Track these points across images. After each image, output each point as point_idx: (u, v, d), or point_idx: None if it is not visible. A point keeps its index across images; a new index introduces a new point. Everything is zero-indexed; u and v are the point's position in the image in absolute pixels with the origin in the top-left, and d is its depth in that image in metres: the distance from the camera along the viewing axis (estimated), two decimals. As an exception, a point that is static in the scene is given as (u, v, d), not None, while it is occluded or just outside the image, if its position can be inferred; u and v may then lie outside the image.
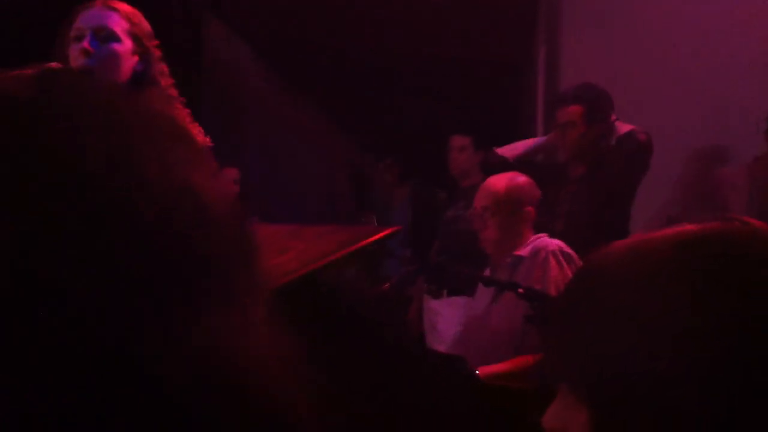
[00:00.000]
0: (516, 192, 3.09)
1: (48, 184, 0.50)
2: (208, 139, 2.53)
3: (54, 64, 2.31)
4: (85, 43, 2.31)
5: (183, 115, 2.50)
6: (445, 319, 4.29)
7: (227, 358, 0.51)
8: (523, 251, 3.00)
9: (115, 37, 2.36)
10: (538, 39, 5.02)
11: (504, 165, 3.85)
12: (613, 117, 3.93)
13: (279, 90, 5.58)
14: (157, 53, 2.47)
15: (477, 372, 2.50)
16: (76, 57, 2.32)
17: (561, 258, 2.89)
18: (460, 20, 4.97)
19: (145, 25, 2.45)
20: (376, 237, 2.42)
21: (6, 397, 0.47)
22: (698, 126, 4.50)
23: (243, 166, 5.17)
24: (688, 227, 0.83)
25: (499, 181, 3.17)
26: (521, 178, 3.18)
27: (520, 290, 2.34)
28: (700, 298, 0.76)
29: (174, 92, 2.50)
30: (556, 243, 2.99)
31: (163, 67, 2.48)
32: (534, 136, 4.87)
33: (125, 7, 2.42)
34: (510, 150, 4.07)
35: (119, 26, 2.37)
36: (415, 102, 5.10)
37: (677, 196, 4.50)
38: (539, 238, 3.06)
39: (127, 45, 2.38)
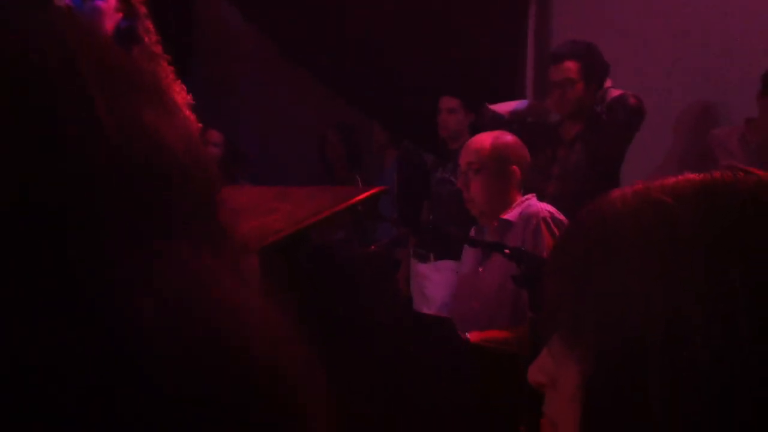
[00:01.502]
0: (502, 150, 2.99)
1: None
2: (189, 96, 2.50)
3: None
4: (67, 1, 2.28)
5: (167, 72, 2.46)
6: (434, 284, 4.28)
7: (207, 299, 0.50)
8: (511, 215, 2.92)
9: None
10: (528, 7, 4.97)
11: (495, 121, 3.80)
12: (609, 83, 3.90)
13: (268, 51, 5.53)
14: (143, 10, 2.43)
15: (467, 336, 2.48)
16: None
17: (552, 225, 2.81)
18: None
19: None
20: (362, 197, 2.40)
21: None
22: (690, 86, 4.47)
23: (232, 127, 5.14)
24: (700, 175, 0.79)
25: (485, 138, 3.07)
26: (508, 137, 3.08)
27: (507, 251, 2.32)
28: (724, 249, 0.73)
29: (158, 49, 2.47)
30: (546, 208, 2.91)
31: (148, 24, 2.44)
32: (524, 97, 4.83)
33: None
34: (502, 107, 4.02)
35: None
36: (404, 61, 5.04)
37: (668, 158, 4.48)
38: (527, 200, 2.98)
39: (110, 2, 2.35)
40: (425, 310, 4.06)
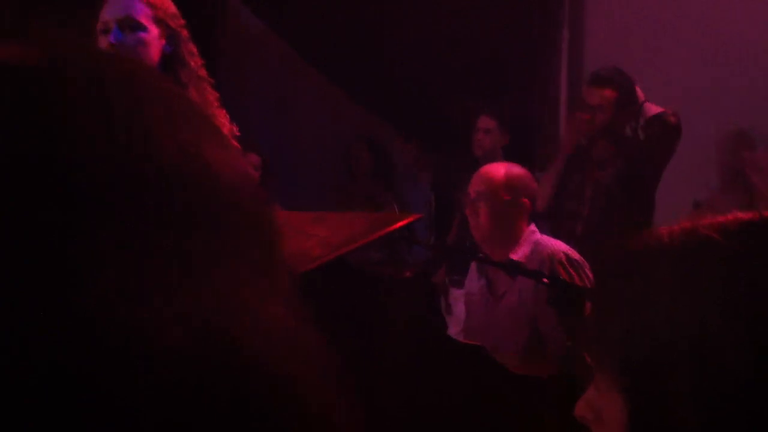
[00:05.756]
0: (514, 181, 2.99)
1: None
2: (234, 127, 2.53)
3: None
4: (111, 38, 2.33)
5: (212, 98, 2.49)
6: (460, 305, 4.28)
7: (235, 327, 0.52)
8: (520, 254, 2.86)
9: (140, 26, 2.36)
10: (562, 20, 4.96)
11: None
12: (642, 97, 3.90)
13: (296, 65, 5.55)
14: (185, 33, 2.45)
15: (497, 361, 2.49)
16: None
17: (569, 267, 2.75)
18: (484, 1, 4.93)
19: (170, 7, 2.44)
20: (399, 225, 2.42)
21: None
22: (725, 108, 4.45)
23: (258, 143, 5.16)
24: (748, 215, 0.82)
25: (497, 168, 3.09)
26: (519, 169, 3.10)
27: (545, 279, 2.32)
28: (754, 287, 0.76)
29: (204, 73, 2.49)
30: (561, 248, 2.85)
31: (191, 47, 2.47)
32: (558, 118, 4.85)
33: None
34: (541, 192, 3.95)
35: (143, 14, 2.37)
36: (438, 80, 5.05)
37: (703, 179, 4.45)
38: (532, 233, 2.93)
39: (153, 32, 2.38)
40: (452, 330, 4.06)
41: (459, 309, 4.23)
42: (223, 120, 2.48)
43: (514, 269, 2.69)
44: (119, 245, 0.52)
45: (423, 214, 3.13)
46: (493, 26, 4.84)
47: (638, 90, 3.88)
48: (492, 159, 4.59)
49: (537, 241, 2.91)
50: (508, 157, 4.57)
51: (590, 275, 2.64)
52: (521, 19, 4.90)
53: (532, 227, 2.99)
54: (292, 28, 5.06)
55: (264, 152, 4.96)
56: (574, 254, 2.81)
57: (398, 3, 4.91)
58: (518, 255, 2.86)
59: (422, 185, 5.27)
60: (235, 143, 2.51)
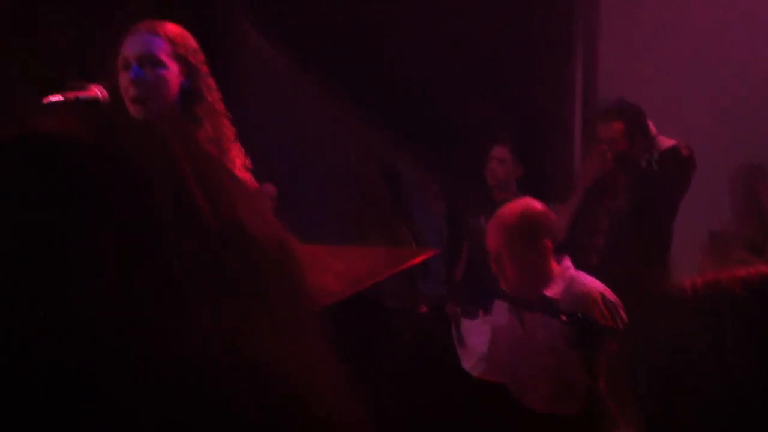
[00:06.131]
0: (532, 226, 2.86)
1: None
2: (248, 161, 2.53)
3: (96, 87, 2.33)
4: (132, 74, 2.34)
5: (228, 132, 2.50)
6: (476, 333, 4.25)
7: (259, 361, 0.57)
8: (554, 290, 2.79)
9: (160, 63, 2.38)
10: (575, 46, 4.98)
11: None
12: (654, 131, 3.90)
13: (310, 90, 5.57)
14: (204, 69, 2.47)
15: (520, 399, 2.47)
16: (125, 87, 2.36)
17: (603, 307, 2.67)
18: (497, 26, 4.94)
19: (190, 43, 2.45)
20: (416, 261, 2.42)
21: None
22: (738, 135, 4.44)
23: (273, 169, 5.16)
24: (755, 271, 0.84)
25: (512, 214, 2.94)
26: (534, 210, 2.94)
27: (564, 317, 2.30)
28: None
29: (221, 107, 2.51)
30: (597, 288, 2.77)
31: (210, 81, 2.48)
32: (572, 146, 4.85)
33: (169, 29, 2.42)
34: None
35: (163, 51, 2.39)
36: (450, 105, 5.06)
37: (716, 209, 4.44)
38: (566, 269, 2.85)
39: (172, 69, 2.40)
40: (465, 362, 4.03)
41: (473, 341, 4.20)
42: (239, 153, 2.48)
43: (531, 306, 2.67)
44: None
45: (440, 250, 3.10)
46: (508, 63, 4.86)
47: (650, 123, 3.89)
48: (505, 189, 4.59)
49: (572, 278, 2.84)
50: (522, 186, 4.57)
51: (624, 317, 2.60)
52: (535, 54, 4.92)
53: (566, 262, 2.90)
54: (302, 51, 5.08)
55: (278, 180, 4.96)
56: (610, 295, 2.74)
57: (418, 31, 4.93)
58: (552, 292, 2.79)
59: (432, 209, 5.26)
60: (250, 176, 2.54)
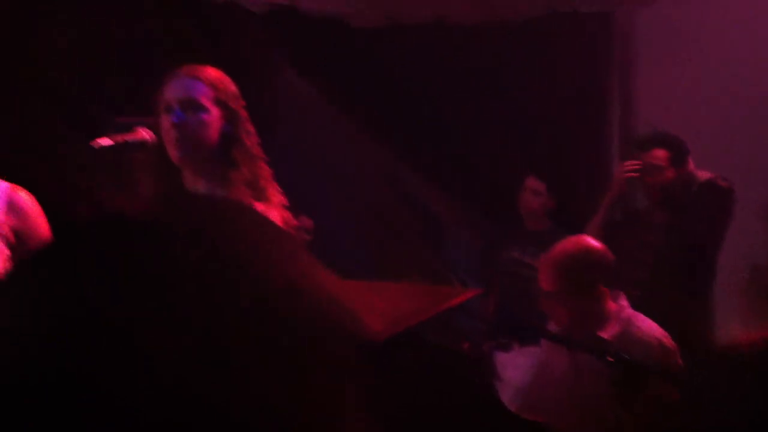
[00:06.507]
0: (586, 267, 2.73)
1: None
2: (285, 199, 2.56)
3: (143, 130, 2.37)
4: (174, 117, 2.38)
5: (265, 174, 2.52)
6: (513, 366, 4.22)
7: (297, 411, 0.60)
8: (611, 332, 2.70)
9: (201, 108, 2.42)
10: (611, 79, 4.97)
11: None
12: (691, 164, 3.88)
13: (342, 124, 5.60)
14: (243, 114, 2.50)
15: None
16: (167, 129, 2.40)
17: (662, 356, 2.60)
18: (533, 55, 4.96)
19: (230, 88, 2.50)
20: (459, 300, 2.42)
21: None
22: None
23: (307, 202, 5.17)
24: None
25: (564, 255, 2.80)
26: (587, 249, 2.81)
27: (610, 358, 2.28)
28: None
29: (258, 151, 2.54)
30: (655, 334, 2.68)
31: (248, 126, 2.52)
32: (608, 178, 4.82)
33: (210, 74, 2.46)
34: (592, 230, 3.90)
35: (205, 95, 2.42)
36: (484, 136, 5.07)
37: (759, 241, 4.39)
38: (622, 309, 2.75)
39: (213, 113, 2.43)
40: (502, 395, 4.00)
41: (510, 375, 4.17)
42: (275, 193, 2.51)
43: (574, 344, 2.62)
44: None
45: (481, 289, 3.08)
46: (544, 99, 4.86)
47: (689, 158, 3.86)
48: (538, 219, 4.58)
49: (629, 320, 2.75)
50: (556, 218, 4.56)
51: (680, 362, 2.56)
52: (573, 93, 4.92)
53: (622, 301, 2.81)
54: (338, 89, 5.11)
55: (314, 214, 4.98)
56: (668, 341, 2.67)
57: (449, 65, 4.94)
58: (608, 334, 2.70)
59: (464, 241, 5.25)
60: (288, 213, 2.56)
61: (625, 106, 4.98)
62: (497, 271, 4.56)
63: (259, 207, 2.39)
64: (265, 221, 0.75)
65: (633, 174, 3.80)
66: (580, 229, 4.19)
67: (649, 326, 2.75)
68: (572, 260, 2.79)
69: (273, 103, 5.06)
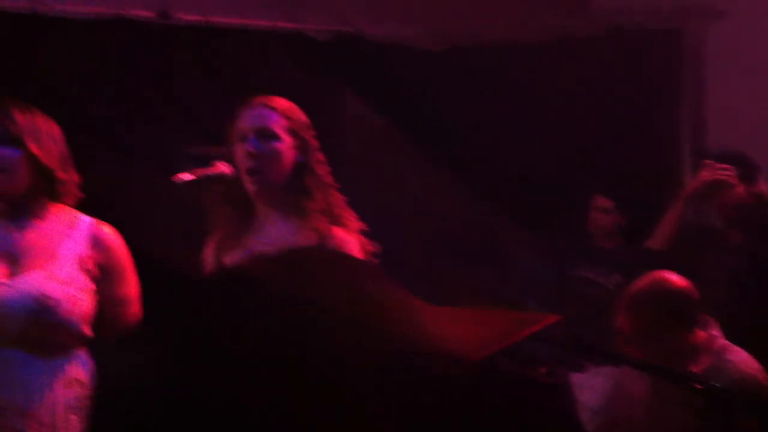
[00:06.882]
0: (668, 315, 2.62)
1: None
2: (363, 225, 2.58)
3: (222, 164, 2.41)
4: (249, 146, 2.42)
5: (339, 202, 2.55)
6: (589, 389, 4.16)
7: None
8: (703, 364, 2.63)
9: (275, 136, 2.47)
10: (683, 95, 4.92)
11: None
12: (762, 183, 3.81)
13: (408, 151, 5.61)
14: (315, 143, 2.54)
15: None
16: (241, 158, 2.44)
17: (756, 391, 2.52)
18: (597, 73, 4.93)
19: (302, 118, 2.55)
20: (540, 327, 2.39)
21: None
22: None
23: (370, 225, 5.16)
24: None
25: (645, 296, 2.68)
26: (670, 288, 2.68)
27: (698, 386, 2.22)
28: None
29: (330, 180, 2.57)
30: (749, 367, 2.57)
31: (320, 156, 2.56)
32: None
33: (282, 104, 2.52)
34: (660, 238, 3.85)
35: (278, 125, 2.48)
36: (551, 156, 5.04)
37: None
38: (713, 340, 2.65)
39: (287, 142, 2.48)
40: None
41: (585, 396, 4.12)
42: (351, 219, 2.53)
43: (656, 370, 2.53)
44: None
45: (560, 316, 3.02)
46: (613, 113, 4.83)
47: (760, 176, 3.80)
48: (608, 237, 4.54)
49: (721, 352, 2.66)
50: (626, 235, 4.50)
51: None
52: (642, 103, 4.88)
53: (714, 330, 2.71)
54: (412, 124, 5.13)
55: (380, 239, 5.00)
56: (762, 375, 2.58)
57: (514, 94, 4.94)
58: (699, 367, 2.61)
59: (532, 263, 5.20)
60: (366, 239, 2.57)
61: (695, 122, 4.92)
62: (568, 292, 4.52)
63: (338, 232, 2.41)
64: (353, 262, 0.80)
65: (720, 176, 3.72)
66: (648, 261, 4.11)
67: (743, 359, 2.65)
68: (653, 302, 2.69)
69: (339, 131, 5.10)
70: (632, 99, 4.91)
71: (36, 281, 2.30)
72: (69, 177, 2.41)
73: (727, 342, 2.75)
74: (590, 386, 4.15)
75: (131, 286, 2.44)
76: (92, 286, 2.37)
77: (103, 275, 2.39)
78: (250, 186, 2.44)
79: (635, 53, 4.90)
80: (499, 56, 4.97)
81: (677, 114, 4.96)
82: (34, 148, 2.33)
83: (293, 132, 2.50)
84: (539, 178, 5.10)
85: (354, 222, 2.55)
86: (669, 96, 4.99)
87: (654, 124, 4.92)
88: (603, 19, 4.95)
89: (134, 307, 2.44)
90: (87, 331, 2.35)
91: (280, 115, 2.49)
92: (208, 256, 2.53)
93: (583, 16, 5.01)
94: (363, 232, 2.56)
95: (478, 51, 5.02)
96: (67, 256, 2.35)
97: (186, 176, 2.31)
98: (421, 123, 5.17)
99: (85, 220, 2.43)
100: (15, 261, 2.34)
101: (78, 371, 2.34)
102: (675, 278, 2.76)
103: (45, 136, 2.36)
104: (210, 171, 2.39)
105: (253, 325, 0.66)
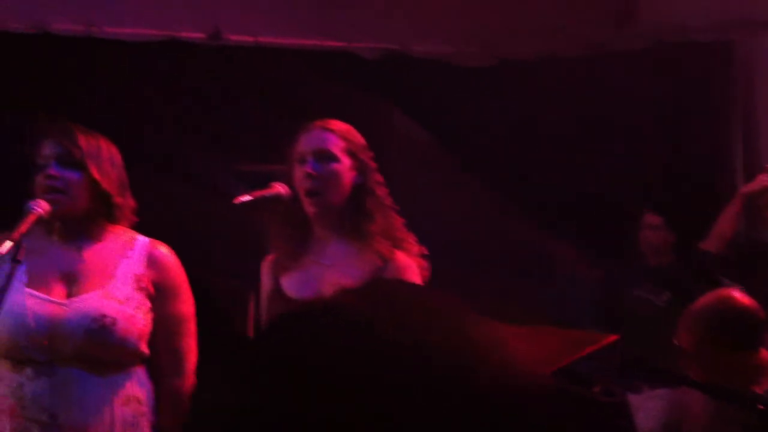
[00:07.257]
0: (731, 335, 2.52)
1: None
2: (423, 248, 2.58)
3: (279, 185, 2.43)
4: (308, 168, 2.44)
5: (398, 224, 2.56)
6: (645, 413, 4.10)
7: None
8: (765, 387, 2.54)
9: (334, 158, 2.48)
10: (734, 111, 4.86)
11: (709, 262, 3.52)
12: None
13: (456, 168, 5.60)
14: (373, 165, 2.55)
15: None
16: (300, 180, 2.46)
17: None
18: (649, 83, 4.89)
19: (360, 140, 2.56)
20: (598, 347, 2.36)
21: None
22: None
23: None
24: None
25: (708, 315, 2.58)
26: (733, 306, 2.57)
27: (761, 407, 2.17)
28: None
29: (389, 201, 2.57)
30: None
31: (378, 177, 2.56)
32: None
33: (340, 126, 2.54)
34: (715, 239, 3.82)
35: (337, 146, 2.49)
36: (599, 173, 5.00)
37: None
38: None
39: (345, 163, 2.49)
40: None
41: (639, 420, 4.05)
42: (412, 242, 2.53)
43: (715, 391, 2.47)
44: None
45: (617, 335, 2.98)
46: (665, 129, 4.78)
47: None
48: (659, 255, 4.49)
49: None
50: (677, 252, 4.45)
51: None
52: (693, 130, 4.83)
53: None
54: (460, 141, 5.12)
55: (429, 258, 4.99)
56: None
57: (560, 108, 4.91)
58: (762, 388, 2.52)
59: (584, 282, 5.16)
60: (425, 262, 2.57)
61: (746, 134, 4.84)
62: (620, 311, 4.47)
63: (400, 256, 2.41)
64: (435, 293, 0.79)
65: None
66: (704, 263, 4.06)
67: None
68: (719, 320, 2.61)
69: (389, 150, 5.11)
70: (682, 112, 4.85)
71: (93, 301, 2.33)
72: (125, 202, 2.44)
73: None
74: (645, 408, 4.09)
75: (187, 303, 2.46)
76: (148, 304, 2.40)
77: (159, 294, 2.42)
78: (309, 207, 2.45)
79: (685, 65, 4.85)
80: (547, 71, 4.94)
81: (728, 127, 4.89)
82: (95, 173, 2.37)
83: (351, 153, 2.51)
84: (590, 194, 5.06)
85: (414, 246, 2.55)
86: (719, 109, 4.92)
87: (705, 138, 4.85)
88: (651, 31, 4.90)
89: (191, 325, 2.46)
90: (144, 348, 2.38)
91: (339, 137, 2.51)
92: (265, 276, 2.55)
93: (630, 29, 4.97)
94: (422, 256, 2.56)
95: (525, 66, 5.00)
96: (124, 276, 2.38)
97: (244, 198, 2.34)
98: (468, 140, 5.16)
99: (142, 240, 2.47)
100: (73, 281, 2.38)
101: (135, 389, 2.37)
102: (740, 296, 2.69)
103: (106, 161, 2.40)
104: (267, 192, 2.42)
105: (350, 369, 0.66)
